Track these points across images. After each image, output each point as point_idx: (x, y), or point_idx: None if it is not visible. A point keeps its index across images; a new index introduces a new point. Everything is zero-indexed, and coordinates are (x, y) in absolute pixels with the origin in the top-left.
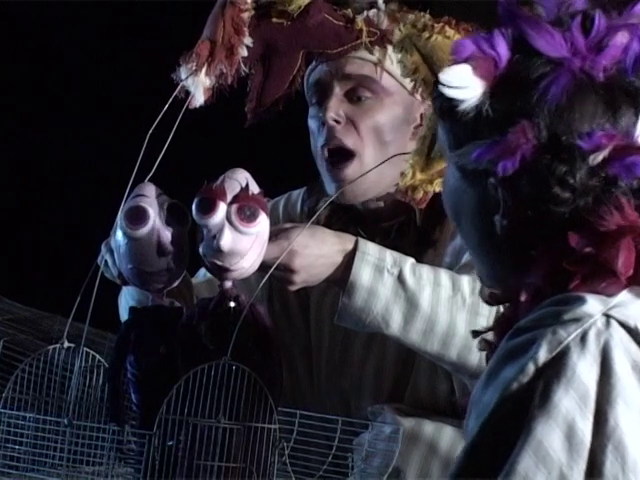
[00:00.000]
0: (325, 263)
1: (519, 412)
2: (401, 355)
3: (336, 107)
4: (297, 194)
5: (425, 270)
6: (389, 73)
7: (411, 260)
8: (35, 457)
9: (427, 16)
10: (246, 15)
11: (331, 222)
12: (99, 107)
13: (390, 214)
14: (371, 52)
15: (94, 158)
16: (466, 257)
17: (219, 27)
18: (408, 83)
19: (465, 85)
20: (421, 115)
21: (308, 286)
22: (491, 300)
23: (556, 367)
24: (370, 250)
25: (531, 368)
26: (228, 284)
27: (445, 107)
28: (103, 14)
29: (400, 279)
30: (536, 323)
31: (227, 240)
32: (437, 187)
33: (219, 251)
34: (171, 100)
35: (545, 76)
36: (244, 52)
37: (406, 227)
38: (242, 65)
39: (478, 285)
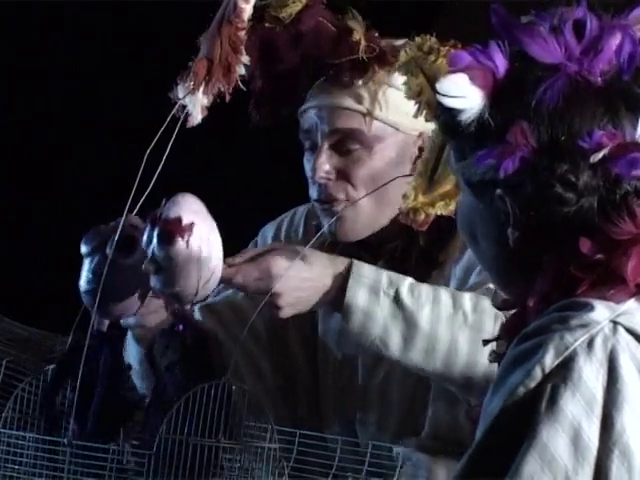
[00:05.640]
0: (314, 286)
1: (525, 416)
2: (408, 381)
3: (324, 165)
4: (302, 211)
5: (424, 289)
6: (379, 120)
7: (409, 280)
8: (35, 477)
9: (433, 39)
10: (243, 33)
11: (334, 244)
12: (96, 127)
13: (394, 236)
14: (359, 101)
15: (93, 179)
16: (473, 279)
17: (216, 45)
18: (402, 123)
19: (463, 94)
20: (420, 148)
21: (300, 313)
22: (503, 306)
23: (563, 372)
24: (365, 272)
25: (538, 372)
26: (176, 305)
27: (448, 121)
28: (101, 30)
29: (397, 299)
30: (543, 329)
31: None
32: (439, 210)
33: None
34: (169, 119)
35: (542, 81)
36: (241, 70)
37: (410, 248)
38: (239, 83)
39: (481, 301)
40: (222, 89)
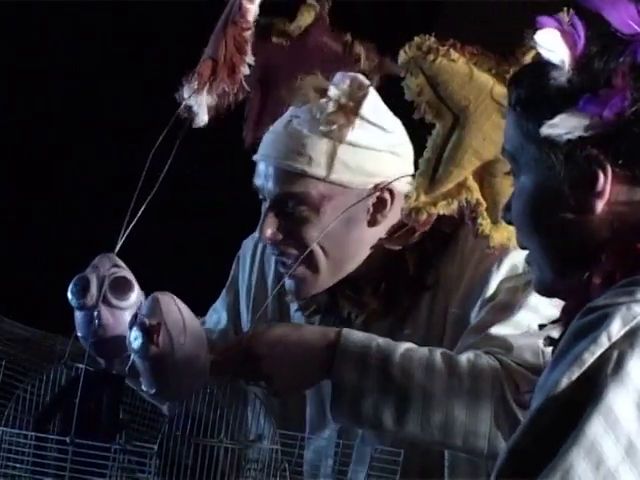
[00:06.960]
0: (306, 367)
1: (590, 381)
2: None
3: (267, 229)
4: None
5: (417, 356)
6: (327, 181)
7: (404, 346)
8: (37, 476)
9: (432, 39)
10: (248, 34)
11: None
12: (96, 127)
13: (376, 267)
14: (306, 163)
15: (93, 179)
16: (482, 315)
17: (221, 46)
18: (352, 181)
19: (554, 49)
20: (379, 197)
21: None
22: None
23: (630, 339)
24: (351, 344)
25: (604, 340)
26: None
27: (537, 78)
28: (101, 30)
29: (386, 371)
30: (609, 301)
31: None
32: (440, 209)
33: None
34: (174, 119)
35: (625, 48)
36: (246, 70)
37: (396, 276)
38: (244, 84)
39: (479, 362)
40: (226, 90)
